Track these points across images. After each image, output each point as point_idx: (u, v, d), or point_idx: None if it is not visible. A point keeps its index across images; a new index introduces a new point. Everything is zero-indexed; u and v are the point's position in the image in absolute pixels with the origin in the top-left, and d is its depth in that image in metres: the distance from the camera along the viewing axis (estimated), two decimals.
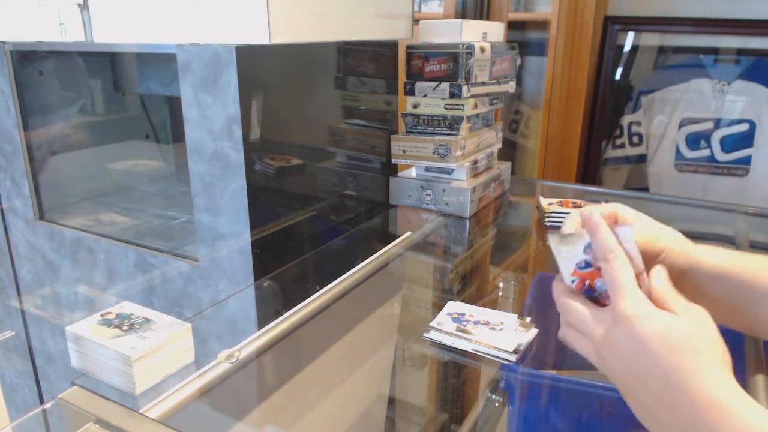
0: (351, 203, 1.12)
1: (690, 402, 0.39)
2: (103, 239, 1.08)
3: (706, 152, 1.71)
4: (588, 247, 0.48)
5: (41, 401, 1.39)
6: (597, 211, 0.49)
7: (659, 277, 0.46)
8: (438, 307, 0.78)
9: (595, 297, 0.48)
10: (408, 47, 1.11)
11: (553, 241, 0.50)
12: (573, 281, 0.49)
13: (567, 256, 0.49)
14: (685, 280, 0.50)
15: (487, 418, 0.79)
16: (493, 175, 1.23)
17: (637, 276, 0.45)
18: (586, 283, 0.48)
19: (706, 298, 0.49)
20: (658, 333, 0.41)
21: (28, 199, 1.18)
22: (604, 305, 0.47)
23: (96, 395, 0.59)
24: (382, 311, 0.91)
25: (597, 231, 0.47)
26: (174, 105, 1.40)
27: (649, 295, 0.44)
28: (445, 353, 0.71)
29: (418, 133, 1.14)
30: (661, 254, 0.51)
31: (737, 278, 0.50)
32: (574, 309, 0.47)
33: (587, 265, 0.48)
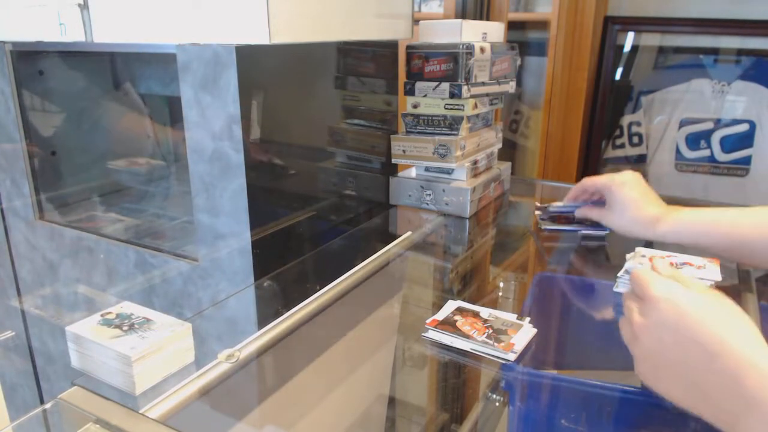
0: (351, 203, 1.12)
1: (729, 364, 0.41)
2: (103, 239, 1.08)
3: (706, 152, 1.72)
4: None
5: (41, 401, 1.39)
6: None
7: (664, 266, 0.51)
8: (438, 307, 0.78)
9: None
10: (408, 47, 1.11)
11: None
12: None
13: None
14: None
15: (487, 418, 0.79)
16: (493, 175, 1.23)
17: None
18: None
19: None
20: (698, 308, 0.44)
21: (28, 199, 1.18)
22: None
23: (96, 395, 0.59)
24: (382, 311, 0.91)
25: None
26: (174, 105, 1.40)
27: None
28: (444, 353, 0.71)
29: (418, 133, 1.14)
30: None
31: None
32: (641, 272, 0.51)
33: None
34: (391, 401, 0.95)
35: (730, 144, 1.68)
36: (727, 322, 0.43)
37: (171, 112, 1.43)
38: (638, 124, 1.79)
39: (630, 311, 0.50)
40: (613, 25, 1.76)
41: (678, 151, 1.75)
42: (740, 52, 1.65)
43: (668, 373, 0.46)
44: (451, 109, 1.09)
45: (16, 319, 1.31)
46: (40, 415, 0.60)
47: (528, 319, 0.74)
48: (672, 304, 0.45)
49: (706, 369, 0.42)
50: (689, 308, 0.44)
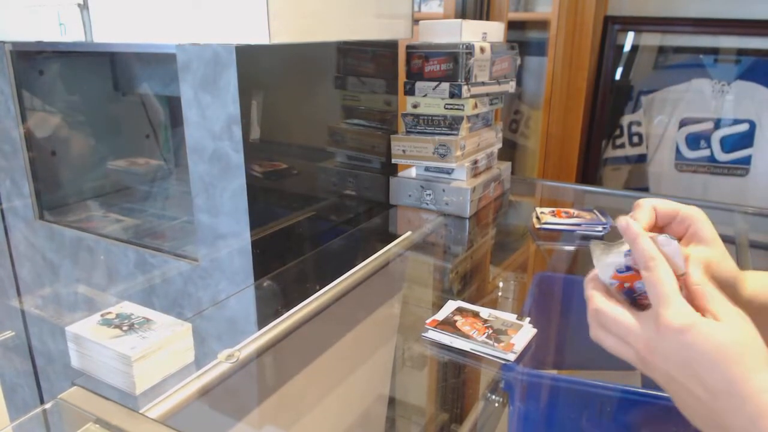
0: (351, 203, 1.12)
1: (741, 407, 0.39)
2: (103, 239, 1.08)
3: (705, 152, 1.72)
4: (629, 253, 0.48)
5: (41, 401, 1.39)
6: (646, 211, 0.49)
7: (698, 275, 0.46)
8: (438, 307, 0.78)
9: (634, 297, 0.48)
10: (408, 47, 1.11)
11: (594, 246, 0.50)
12: (612, 284, 0.49)
13: (607, 261, 0.49)
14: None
15: (487, 418, 0.79)
16: (493, 175, 1.23)
17: (680, 277, 0.45)
18: (626, 285, 0.49)
19: None
20: (706, 342, 0.41)
21: (28, 199, 1.18)
22: (643, 305, 0.47)
23: (96, 395, 0.59)
24: (382, 311, 0.91)
25: (636, 240, 0.47)
26: (174, 105, 1.40)
27: (689, 295, 0.44)
28: (444, 353, 0.71)
29: (418, 133, 1.14)
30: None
31: None
32: (611, 316, 0.47)
33: (628, 269, 0.48)
34: (391, 401, 0.95)
35: (730, 144, 1.68)
36: (742, 358, 0.40)
37: (171, 112, 1.43)
38: (638, 123, 1.79)
39: (631, 332, 0.45)
40: (613, 25, 1.76)
41: (678, 150, 1.75)
42: (740, 52, 1.65)
43: (678, 398, 0.44)
44: (451, 109, 1.09)
45: (16, 319, 1.31)
46: (40, 415, 0.60)
47: (528, 319, 0.74)
48: (688, 339, 0.42)
49: (718, 406, 0.41)
50: (705, 345, 0.41)
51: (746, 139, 1.66)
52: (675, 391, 0.44)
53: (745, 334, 0.42)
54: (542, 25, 1.84)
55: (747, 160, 1.67)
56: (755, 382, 0.40)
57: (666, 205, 0.51)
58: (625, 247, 0.48)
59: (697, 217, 0.51)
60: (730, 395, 0.40)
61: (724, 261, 0.50)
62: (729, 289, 0.49)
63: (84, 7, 0.90)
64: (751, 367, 0.40)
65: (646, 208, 0.50)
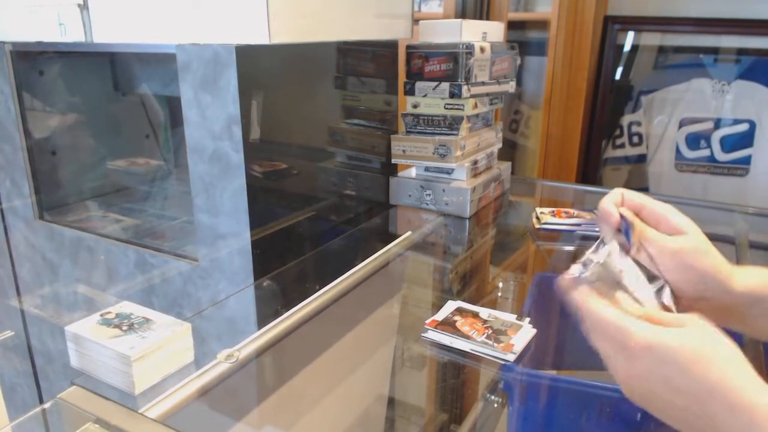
0: (351, 203, 1.12)
1: (730, 407, 0.40)
2: (103, 239, 1.08)
3: (706, 152, 1.72)
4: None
5: (41, 401, 1.39)
6: (615, 194, 0.52)
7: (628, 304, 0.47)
8: (437, 307, 0.78)
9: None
10: (408, 47, 1.11)
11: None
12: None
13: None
14: (714, 300, 0.50)
15: (486, 419, 0.79)
16: (493, 175, 1.23)
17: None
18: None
19: (735, 317, 0.49)
20: (681, 352, 0.41)
21: (28, 199, 1.18)
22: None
23: (95, 395, 0.59)
24: (382, 311, 0.91)
25: (567, 296, 0.50)
26: (174, 105, 1.40)
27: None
28: (444, 353, 0.71)
29: (418, 133, 1.14)
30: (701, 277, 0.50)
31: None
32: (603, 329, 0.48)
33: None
34: (391, 401, 0.95)
35: (730, 144, 1.68)
36: (715, 358, 0.41)
37: (171, 112, 1.43)
38: (638, 123, 1.79)
39: (609, 358, 0.46)
40: (613, 24, 1.76)
41: (678, 150, 1.75)
42: (740, 51, 1.65)
43: (667, 416, 0.45)
44: (451, 109, 1.09)
45: (16, 319, 1.31)
46: (39, 415, 0.60)
47: (527, 319, 0.74)
48: (658, 354, 0.42)
49: (704, 411, 0.41)
50: (676, 354, 0.42)
51: (746, 139, 1.66)
52: (662, 411, 0.44)
53: (713, 333, 0.42)
54: (542, 25, 1.84)
55: (747, 160, 1.67)
56: (736, 381, 0.40)
57: (634, 196, 0.53)
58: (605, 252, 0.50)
59: (665, 208, 0.52)
60: (717, 399, 0.40)
61: (704, 254, 0.50)
62: (711, 282, 0.49)
63: (84, 7, 0.90)
64: (727, 365, 0.40)
65: (616, 192, 0.53)
